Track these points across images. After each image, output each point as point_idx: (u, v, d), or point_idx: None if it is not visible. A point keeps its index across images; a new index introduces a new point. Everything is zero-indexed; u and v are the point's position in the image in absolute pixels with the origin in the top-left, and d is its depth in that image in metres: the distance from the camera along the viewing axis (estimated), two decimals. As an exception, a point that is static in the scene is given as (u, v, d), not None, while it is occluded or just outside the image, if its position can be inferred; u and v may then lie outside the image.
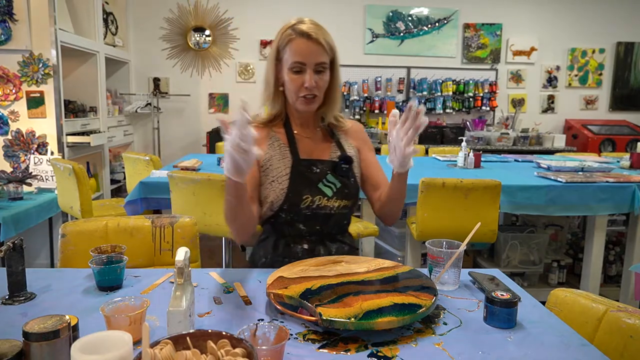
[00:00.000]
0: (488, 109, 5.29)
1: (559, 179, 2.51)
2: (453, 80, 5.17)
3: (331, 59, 1.33)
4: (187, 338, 0.69)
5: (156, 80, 5.03)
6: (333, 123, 1.44)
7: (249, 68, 5.10)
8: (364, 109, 5.15)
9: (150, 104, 4.85)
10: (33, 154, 3.30)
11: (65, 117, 3.48)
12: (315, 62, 1.28)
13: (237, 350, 0.67)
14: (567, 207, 2.45)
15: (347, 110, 5.16)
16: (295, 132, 1.40)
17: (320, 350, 0.86)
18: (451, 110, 5.20)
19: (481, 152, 3.37)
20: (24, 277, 1.06)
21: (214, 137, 4.51)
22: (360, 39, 5.18)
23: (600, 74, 5.44)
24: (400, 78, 5.22)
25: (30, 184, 2.95)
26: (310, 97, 1.30)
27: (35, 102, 3.29)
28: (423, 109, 1.12)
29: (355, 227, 2.42)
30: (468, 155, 3.06)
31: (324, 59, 1.29)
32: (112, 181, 4.58)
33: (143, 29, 4.98)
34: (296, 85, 1.30)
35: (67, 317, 0.76)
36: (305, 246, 1.36)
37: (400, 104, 5.17)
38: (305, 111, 1.36)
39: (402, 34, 5.20)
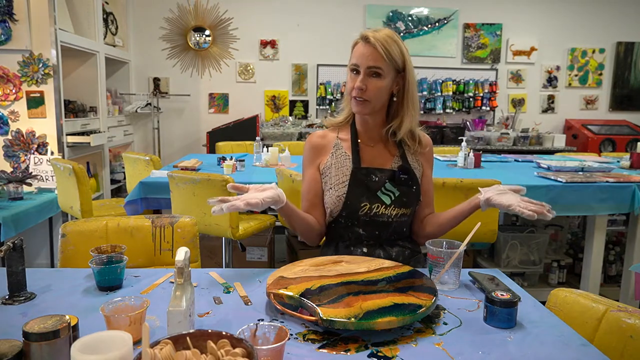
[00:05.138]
0: (488, 109, 5.29)
1: (559, 179, 2.51)
2: (453, 80, 5.16)
3: (398, 69, 1.34)
4: (187, 338, 0.69)
5: (156, 80, 5.03)
6: (406, 141, 1.43)
7: (249, 68, 5.10)
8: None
9: (150, 104, 4.85)
10: (33, 154, 3.29)
11: (65, 117, 3.48)
12: (367, 65, 1.31)
13: (237, 350, 0.67)
14: (567, 207, 2.45)
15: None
16: (359, 140, 1.44)
17: (320, 350, 0.86)
18: (451, 110, 5.20)
19: (481, 152, 3.37)
20: (24, 277, 1.06)
21: (214, 137, 4.51)
22: (360, 39, 5.18)
23: (600, 74, 5.44)
24: (400, 78, 5.21)
25: (30, 184, 2.95)
26: (360, 99, 1.34)
27: (35, 102, 3.28)
28: (553, 215, 1.16)
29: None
30: (468, 155, 3.06)
31: (376, 64, 1.30)
32: (112, 181, 4.58)
33: (143, 29, 4.98)
34: (351, 85, 1.35)
35: (67, 317, 0.76)
36: (365, 250, 1.38)
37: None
38: (357, 113, 1.39)
39: (402, 34, 5.19)
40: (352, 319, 0.88)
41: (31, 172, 3.08)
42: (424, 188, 1.46)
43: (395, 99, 1.39)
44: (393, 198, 1.37)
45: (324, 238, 1.49)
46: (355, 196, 1.36)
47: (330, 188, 1.39)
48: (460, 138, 3.97)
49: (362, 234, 1.39)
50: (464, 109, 5.24)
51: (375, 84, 1.32)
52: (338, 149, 1.43)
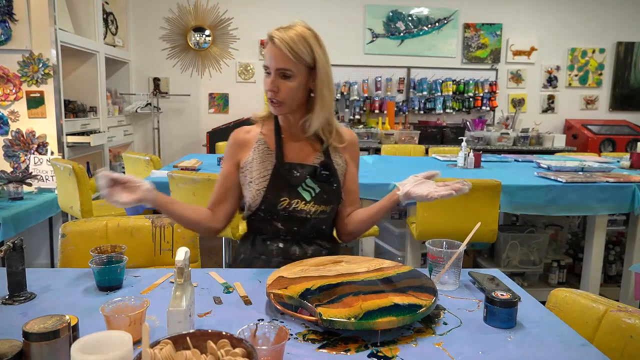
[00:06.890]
0: (488, 109, 5.29)
1: (559, 179, 2.51)
2: (453, 80, 5.16)
3: (309, 67, 1.31)
4: (187, 338, 0.69)
5: (156, 80, 5.03)
6: (322, 135, 1.41)
7: (249, 68, 5.10)
8: (364, 109, 5.15)
9: (150, 104, 4.84)
10: (33, 154, 3.29)
11: (65, 117, 3.48)
12: (276, 67, 1.29)
13: (237, 350, 0.67)
14: (567, 207, 2.45)
15: (347, 110, 5.16)
16: (282, 136, 1.42)
17: (320, 350, 0.86)
18: (451, 110, 5.20)
19: (481, 152, 3.36)
20: (24, 277, 1.06)
21: (214, 137, 4.51)
22: (361, 39, 5.18)
23: (600, 74, 5.44)
24: (400, 78, 5.22)
25: (30, 184, 2.95)
26: (275, 101, 1.32)
27: (35, 102, 3.28)
28: (469, 185, 1.23)
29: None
30: (468, 155, 3.06)
31: (285, 66, 1.28)
32: (112, 181, 4.57)
33: (143, 29, 4.98)
34: (265, 87, 1.34)
35: (67, 317, 0.76)
36: (281, 245, 1.38)
37: (401, 103, 5.18)
38: (275, 114, 1.39)
39: (402, 34, 5.19)
40: (352, 319, 0.88)
41: (31, 172, 3.08)
42: (347, 186, 1.45)
43: (312, 94, 1.36)
44: (313, 194, 1.37)
45: (244, 231, 1.48)
46: (275, 190, 1.35)
47: (251, 182, 1.37)
48: (460, 138, 3.97)
49: (280, 229, 1.38)
50: (464, 109, 5.24)
51: (286, 85, 1.30)
52: (261, 144, 1.41)
